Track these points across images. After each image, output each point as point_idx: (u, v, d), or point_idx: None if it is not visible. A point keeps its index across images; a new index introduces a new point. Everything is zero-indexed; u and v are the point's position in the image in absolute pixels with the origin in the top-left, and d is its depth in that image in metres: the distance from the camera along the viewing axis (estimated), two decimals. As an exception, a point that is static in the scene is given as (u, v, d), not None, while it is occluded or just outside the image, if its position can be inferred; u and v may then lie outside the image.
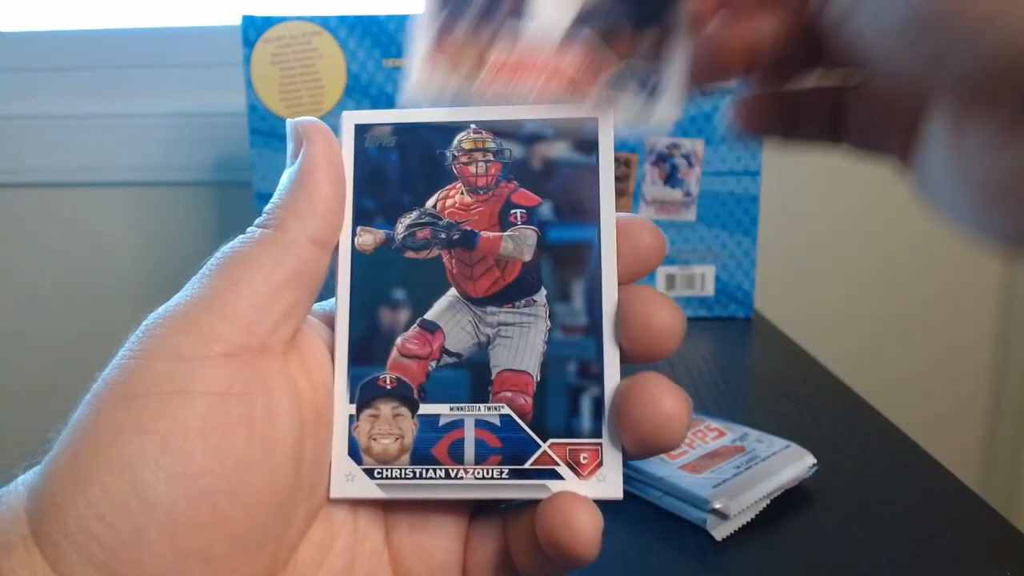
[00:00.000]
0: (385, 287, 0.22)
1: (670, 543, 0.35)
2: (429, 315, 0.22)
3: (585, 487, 0.21)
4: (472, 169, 0.23)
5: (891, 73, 0.18)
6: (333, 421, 0.22)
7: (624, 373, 0.21)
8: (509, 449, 0.21)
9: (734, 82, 0.22)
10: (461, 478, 0.21)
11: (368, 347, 0.22)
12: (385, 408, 0.22)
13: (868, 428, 0.47)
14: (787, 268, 0.90)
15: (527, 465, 0.21)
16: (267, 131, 0.70)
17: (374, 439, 0.22)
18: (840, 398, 0.52)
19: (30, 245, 0.97)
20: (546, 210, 0.22)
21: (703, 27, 0.21)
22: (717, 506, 0.35)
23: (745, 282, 0.72)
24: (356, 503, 0.22)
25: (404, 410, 0.22)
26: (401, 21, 0.68)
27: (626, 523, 0.37)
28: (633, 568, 0.34)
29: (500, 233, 0.22)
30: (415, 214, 0.23)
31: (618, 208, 0.23)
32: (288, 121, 0.22)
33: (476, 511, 0.23)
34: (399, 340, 0.22)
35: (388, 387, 0.22)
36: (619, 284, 0.21)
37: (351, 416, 0.22)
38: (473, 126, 0.23)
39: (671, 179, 0.70)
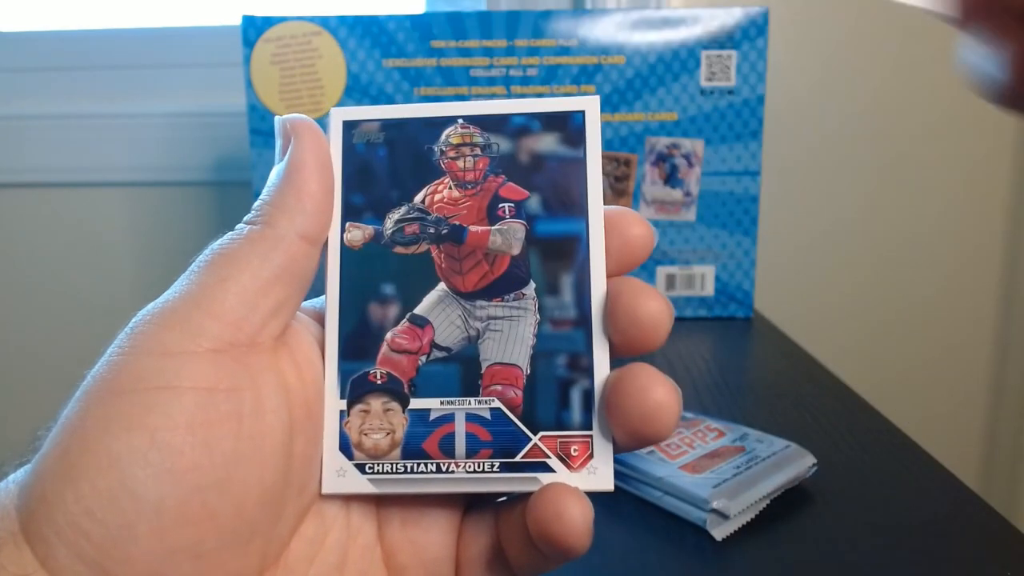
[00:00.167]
0: (374, 282, 0.22)
1: (670, 543, 0.35)
2: (418, 310, 0.22)
3: (576, 479, 0.21)
4: (460, 164, 0.23)
5: None
6: (323, 417, 0.22)
7: (615, 366, 0.21)
8: (500, 442, 0.21)
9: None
10: (452, 472, 0.21)
11: (358, 342, 0.22)
12: (376, 403, 0.22)
13: (868, 428, 0.47)
14: (787, 268, 0.89)
15: (518, 458, 0.21)
16: (267, 131, 0.70)
17: (365, 434, 0.22)
18: (840, 398, 0.52)
19: (30, 245, 0.97)
20: (534, 204, 0.22)
21: None
22: (717, 506, 0.35)
23: (745, 282, 0.72)
24: (348, 498, 0.22)
25: (395, 405, 0.22)
26: (401, 21, 0.68)
27: (626, 523, 0.37)
28: (633, 568, 0.33)
29: (488, 227, 0.22)
30: (403, 209, 0.23)
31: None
32: (276, 118, 0.22)
33: (469, 505, 0.23)
34: (389, 335, 0.22)
35: (379, 382, 0.22)
36: (609, 276, 0.21)
37: (342, 411, 0.22)
38: (460, 120, 0.23)
39: (671, 179, 0.70)
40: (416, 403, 0.22)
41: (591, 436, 0.21)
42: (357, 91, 0.69)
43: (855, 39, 0.85)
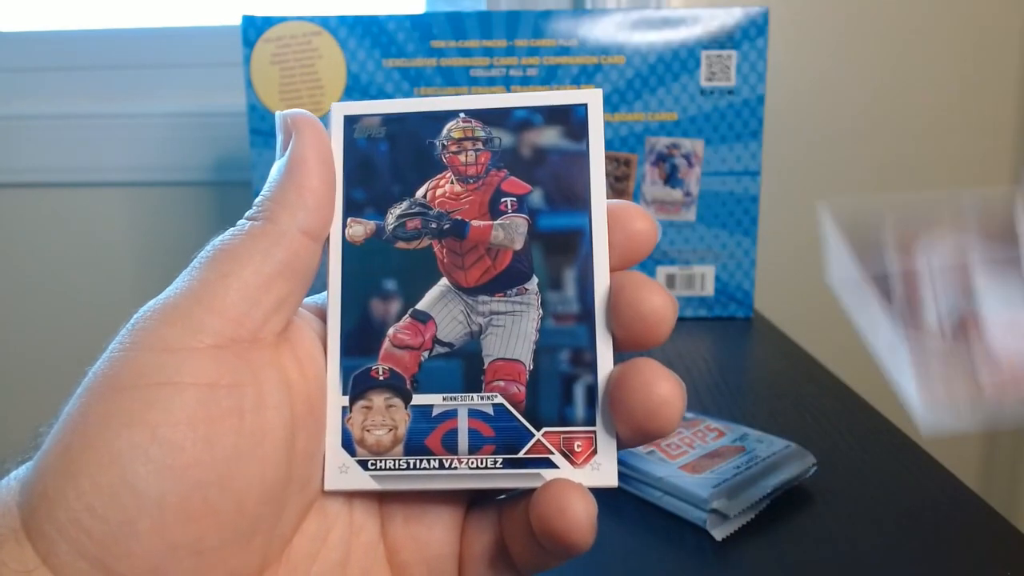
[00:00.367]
0: (376, 278, 0.22)
1: (670, 543, 0.35)
2: (421, 305, 0.22)
3: (580, 475, 0.21)
4: (462, 158, 0.22)
5: None
6: (326, 413, 0.22)
7: (619, 361, 0.21)
8: (503, 438, 0.21)
9: None
10: (455, 468, 0.21)
11: (360, 338, 0.22)
12: (378, 399, 0.22)
13: (868, 428, 0.46)
14: (787, 268, 0.89)
15: (521, 454, 0.21)
16: (267, 131, 0.70)
17: (367, 430, 0.21)
18: (840, 398, 0.52)
19: (30, 245, 0.97)
20: (537, 198, 0.22)
21: None
22: (717, 506, 0.35)
23: (745, 282, 0.72)
24: (351, 495, 0.22)
25: (397, 401, 0.22)
26: (401, 21, 0.68)
27: (626, 523, 0.36)
28: (633, 568, 0.33)
29: (491, 222, 0.22)
30: (405, 204, 0.22)
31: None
32: (277, 113, 0.22)
33: (472, 502, 0.23)
34: (391, 331, 0.22)
35: (381, 378, 0.22)
36: (612, 271, 0.21)
37: (344, 408, 0.22)
38: (462, 114, 0.23)
39: (671, 179, 0.70)
40: (418, 399, 0.22)
41: (594, 432, 0.21)
42: (357, 91, 0.69)
43: (855, 39, 0.86)
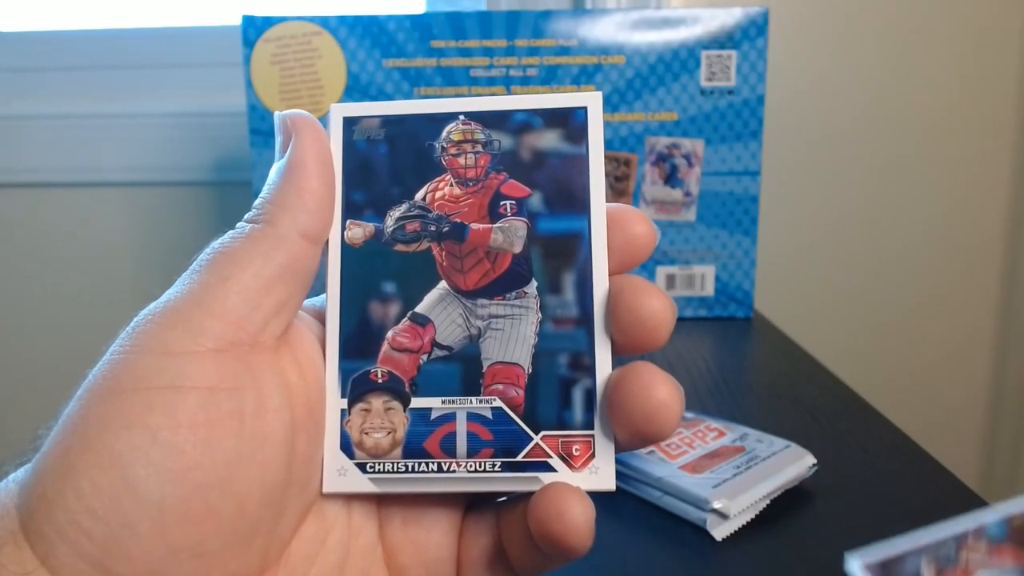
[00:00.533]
0: (375, 281, 0.22)
1: (670, 543, 0.35)
2: (420, 308, 0.22)
3: (578, 479, 0.21)
4: (461, 160, 0.22)
5: None
6: (325, 416, 0.22)
7: (617, 365, 0.21)
8: (501, 442, 0.21)
9: None
10: (454, 471, 0.21)
11: (359, 341, 0.22)
12: (377, 402, 0.22)
13: (868, 428, 0.46)
14: (787, 268, 0.89)
15: (519, 458, 0.21)
16: (267, 131, 0.70)
17: (366, 433, 0.21)
18: (840, 398, 0.52)
19: (30, 245, 0.97)
20: (536, 201, 0.22)
21: None
22: (717, 506, 0.35)
23: (745, 282, 0.72)
24: (349, 498, 0.22)
25: (396, 404, 0.22)
26: (401, 21, 0.68)
27: (626, 523, 0.37)
28: (633, 568, 0.33)
29: (490, 225, 0.22)
30: (404, 207, 0.22)
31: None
32: (276, 114, 0.22)
33: (470, 505, 0.23)
34: (390, 334, 0.22)
35: (380, 381, 0.22)
36: (611, 274, 0.21)
37: (343, 410, 0.22)
38: (462, 117, 0.23)
39: (671, 179, 0.70)
40: (417, 402, 0.21)
41: (593, 435, 0.21)
42: (357, 91, 0.69)
43: (855, 39, 0.86)
